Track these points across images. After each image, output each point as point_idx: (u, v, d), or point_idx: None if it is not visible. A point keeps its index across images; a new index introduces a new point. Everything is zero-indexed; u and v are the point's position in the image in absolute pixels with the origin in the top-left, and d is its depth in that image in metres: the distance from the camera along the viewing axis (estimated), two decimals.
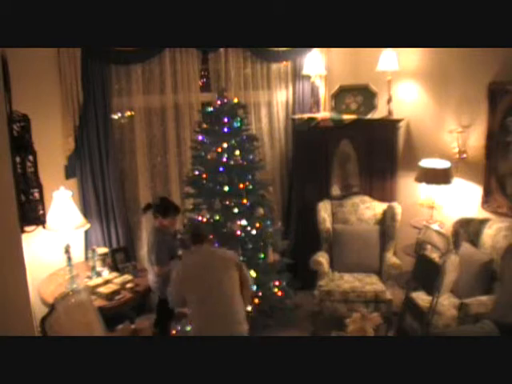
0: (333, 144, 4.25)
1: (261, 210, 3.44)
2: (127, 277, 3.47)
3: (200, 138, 3.51)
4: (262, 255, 3.50)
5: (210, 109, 3.52)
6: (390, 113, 4.09)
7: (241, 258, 3.39)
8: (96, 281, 3.37)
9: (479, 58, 3.31)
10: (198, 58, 4.05)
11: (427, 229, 3.39)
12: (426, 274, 3.07)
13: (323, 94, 4.56)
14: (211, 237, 3.13)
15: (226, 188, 3.39)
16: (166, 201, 3.37)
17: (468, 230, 3.42)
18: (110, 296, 3.18)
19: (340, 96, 4.37)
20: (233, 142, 3.44)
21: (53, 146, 3.49)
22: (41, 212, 2.70)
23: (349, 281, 3.74)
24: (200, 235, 2.82)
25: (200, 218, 3.45)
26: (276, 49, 4.23)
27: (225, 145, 3.39)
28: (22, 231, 2.43)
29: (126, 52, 3.63)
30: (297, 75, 4.47)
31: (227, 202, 3.41)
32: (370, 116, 4.22)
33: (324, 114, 4.40)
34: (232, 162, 3.40)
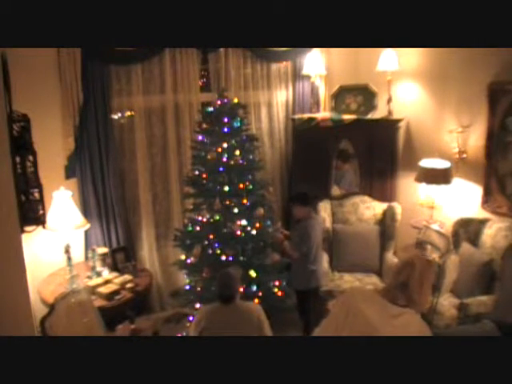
0: (333, 144, 4.25)
1: (261, 210, 3.43)
2: (127, 277, 3.47)
3: (200, 137, 3.51)
4: (262, 255, 3.49)
5: (210, 109, 3.51)
6: (390, 113, 4.09)
7: (241, 258, 3.39)
8: (96, 281, 3.36)
9: (479, 58, 3.31)
10: (198, 57, 4.04)
11: (427, 229, 3.40)
12: None
13: (323, 93, 4.56)
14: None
15: (226, 188, 3.38)
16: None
17: (468, 229, 3.42)
18: (109, 296, 3.18)
19: (340, 96, 4.37)
20: (233, 142, 3.44)
21: (53, 145, 3.49)
22: (41, 212, 2.70)
23: (349, 281, 3.74)
24: (231, 296, 2.54)
25: (200, 218, 3.45)
26: (276, 49, 4.23)
27: (225, 145, 3.39)
28: (22, 231, 2.43)
29: (126, 52, 3.63)
30: (297, 75, 4.47)
31: (227, 202, 3.41)
32: (370, 116, 4.21)
33: (324, 113, 4.40)
34: (232, 162, 3.40)
